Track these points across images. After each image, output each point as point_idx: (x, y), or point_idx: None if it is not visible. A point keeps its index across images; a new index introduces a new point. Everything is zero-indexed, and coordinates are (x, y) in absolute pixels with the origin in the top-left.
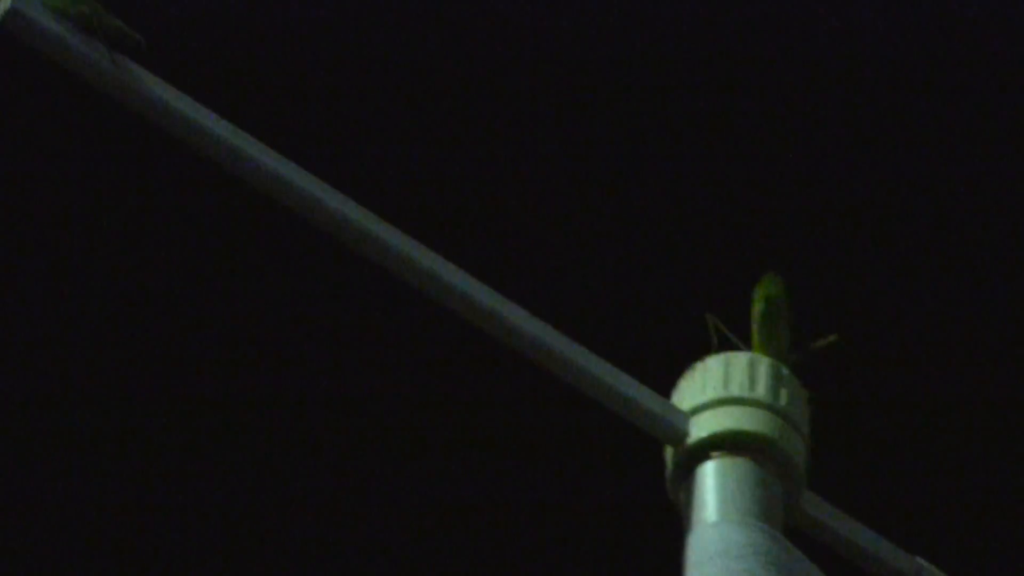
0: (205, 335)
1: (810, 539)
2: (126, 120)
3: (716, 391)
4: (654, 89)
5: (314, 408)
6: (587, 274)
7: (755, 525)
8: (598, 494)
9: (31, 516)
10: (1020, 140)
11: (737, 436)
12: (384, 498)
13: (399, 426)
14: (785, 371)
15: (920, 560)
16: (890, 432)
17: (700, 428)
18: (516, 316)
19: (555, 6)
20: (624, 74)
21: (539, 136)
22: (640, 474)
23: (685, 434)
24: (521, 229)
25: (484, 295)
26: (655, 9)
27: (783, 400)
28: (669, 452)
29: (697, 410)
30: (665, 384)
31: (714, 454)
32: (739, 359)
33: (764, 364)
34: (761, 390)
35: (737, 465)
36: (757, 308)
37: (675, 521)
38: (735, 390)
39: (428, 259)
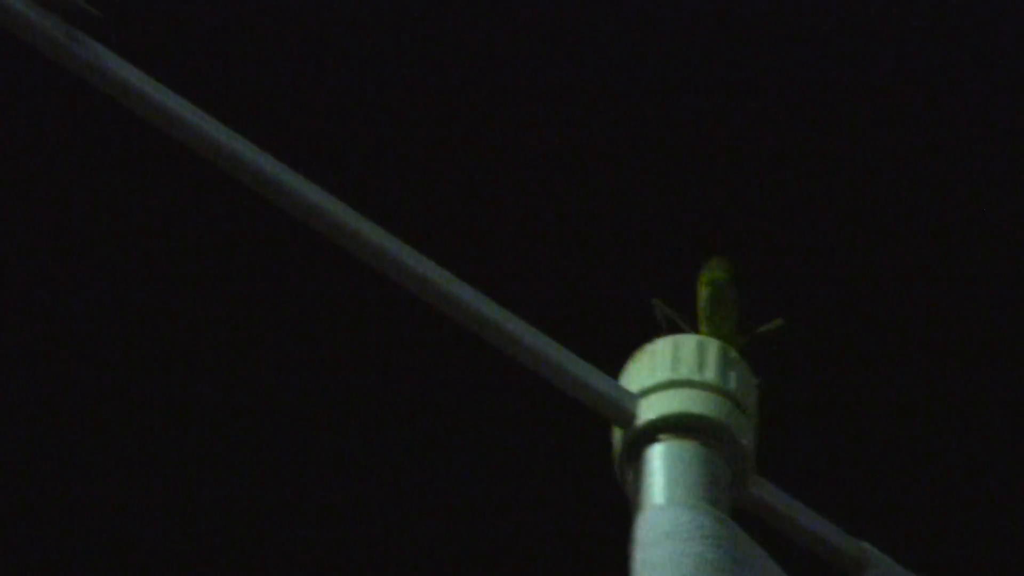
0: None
1: (758, 522)
2: (83, 92)
3: (665, 373)
4: (601, 73)
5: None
6: (538, 254)
7: (703, 508)
8: (546, 475)
9: (31, 516)
10: (953, 111)
11: (686, 418)
12: (333, 480)
13: (342, 402)
14: (734, 354)
15: (866, 544)
16: (838, 417)
17: (649, 410)
18: (466, 295)
19: None
20: (565, 57)
21: (492, 117)
22: (588, 456)
23: (634, 416)
24: (472, 209)
25: (434, 273)
26: None
27: (732, 383)
28: (618, 434)
29: (646, 392)
30: (617, 367)
31: (662, 436)
32: (688, 342)
33: (713, 347)
34: (710, 373)
35: (685, 447)
36: (703, 292)
37: (623, 503)
38: (684, 372)
39: (377, 235)
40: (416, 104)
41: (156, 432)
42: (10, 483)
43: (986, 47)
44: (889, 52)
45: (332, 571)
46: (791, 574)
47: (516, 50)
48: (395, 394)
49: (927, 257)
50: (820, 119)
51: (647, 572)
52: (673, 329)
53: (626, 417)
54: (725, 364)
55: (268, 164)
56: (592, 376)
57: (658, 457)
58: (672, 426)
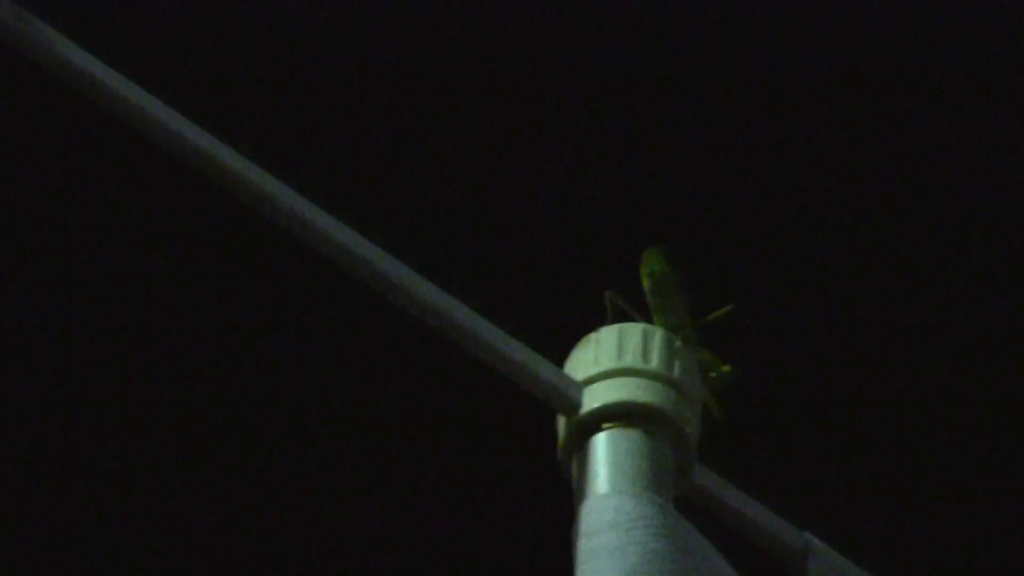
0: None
1: (701, 511)
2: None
3: (610, 362)
4: (550, 68)
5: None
6: (484, 241)
7: (646, 497)
8: (488, 463)
9: (31, 516)
10: (911, 99)
11: (629, 407)
12: (286, 468)
13: (289, 396)
14: (679, 343)
15: (809, 535)
16: (782, 406)
17: (593, 398)
18: (410, 281)
19: None
20: (513, 55)
21: (438, 104)
22: (532, 444)
23: (578, 404)
24: (420, 198)
25: (378, 259)
26: None
27: (676, 371)
28: (562, 422)
29: (590, 380)
30: (562, 355)
31: (606, 425)
32: (633, 330)
33: (658, 335)
34: (655, 361)
35: (629, 436)
36: (645, 284)
37: (566, 492)
38: (629, 361)
39: (319, 218)
40: (364, 89)
41: (157, 432)
42: (10, 483)
43: (951, 46)
44: (831, 34)
45: (284, 566)
46: (734, 564)
47: (465, 41)
48: (339, 382)
49: (886, 239)
50: (768, 108)
51: (590, 561)
52: (622, 320)
53: (570, 405)
54: (670, 353)
55: (215, 145)
56: (536, 364)
57: (602, 446)
58: (616, 415)
